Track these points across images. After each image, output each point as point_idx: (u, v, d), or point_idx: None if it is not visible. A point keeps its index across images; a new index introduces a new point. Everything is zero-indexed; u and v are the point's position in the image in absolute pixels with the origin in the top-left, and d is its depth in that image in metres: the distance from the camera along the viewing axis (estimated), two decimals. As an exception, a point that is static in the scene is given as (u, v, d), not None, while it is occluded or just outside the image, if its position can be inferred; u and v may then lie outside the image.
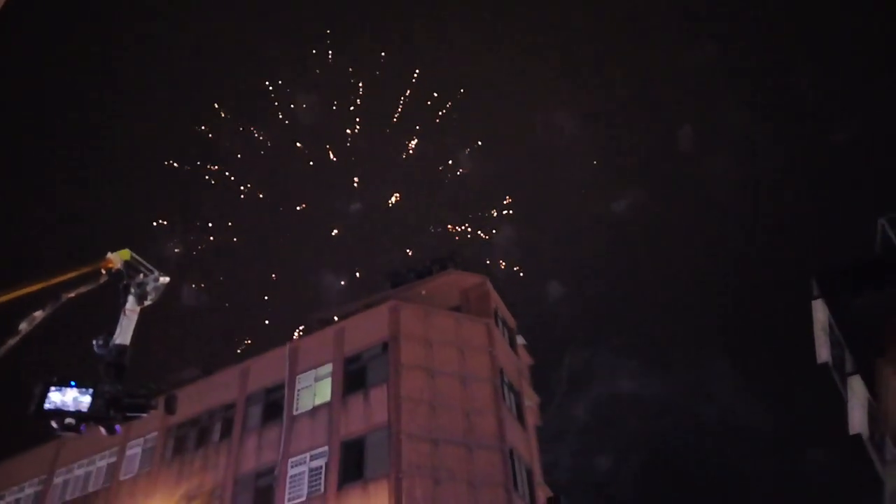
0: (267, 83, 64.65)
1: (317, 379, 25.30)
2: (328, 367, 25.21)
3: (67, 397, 7.08)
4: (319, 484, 22.80)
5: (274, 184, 64.30)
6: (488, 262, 60.31)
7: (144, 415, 7.69)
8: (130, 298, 7.90)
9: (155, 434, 27.87)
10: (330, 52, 66.18)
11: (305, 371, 25.69)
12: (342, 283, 62.51)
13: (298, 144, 63.09)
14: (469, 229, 62.61)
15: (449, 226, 62.11)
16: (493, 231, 62.61)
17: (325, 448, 23.43)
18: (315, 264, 68.18)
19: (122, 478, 27.53)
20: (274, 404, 25.73)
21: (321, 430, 23.97)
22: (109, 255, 8.23)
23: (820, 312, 21.81)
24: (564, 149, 72.38)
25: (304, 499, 22.76)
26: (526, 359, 28.68)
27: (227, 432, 26.23)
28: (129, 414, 7.52)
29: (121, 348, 7.70)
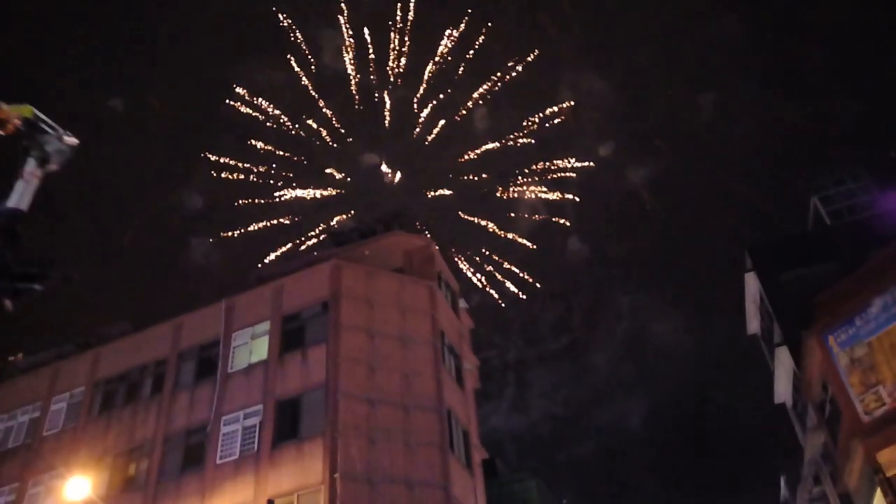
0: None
1: (253, 337, 24.77)
2: (265, 325, 24.70)
3: None
4: (253, 442, 22.45)
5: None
6: (512, 214, 60.30)
7: (38, 288, 6.40)
8: (30, 161, 6.67)
9: (82, 389, 26.94)
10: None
11: (242, 328, 25.11)
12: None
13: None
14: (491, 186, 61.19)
15: (470, 176, 60.19)
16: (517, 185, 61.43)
17: (260, 406, 23.05)
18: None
19: (45, 433, 26.54)
20: (208, 361, 25.11)
21: (256, 388, 23.53)
22: (3, 105, 6.78)
23: (752, 285, 22.47)
24: (586, 112, 72.54)
25: (236, 457, 22.41)
26: (468, 322, 28.75)
27: (157, 389, 25.52)
28: (19, 285, 6.27)
29: (15, 213, 6.47)
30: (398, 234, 27.62)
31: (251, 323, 25.07)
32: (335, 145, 59.06)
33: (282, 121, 58.22)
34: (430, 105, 59.92)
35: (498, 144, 60.29)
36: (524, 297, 57.45)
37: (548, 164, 59.28)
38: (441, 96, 60.25)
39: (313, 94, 58.54)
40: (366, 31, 59.19)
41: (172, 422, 24.43)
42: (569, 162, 58.90)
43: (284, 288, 25.23)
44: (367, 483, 21.08)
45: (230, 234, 56.98)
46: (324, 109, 59.03)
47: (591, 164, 62.32)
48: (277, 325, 24.51)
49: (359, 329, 23.62)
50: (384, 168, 61.06)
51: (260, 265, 45.19)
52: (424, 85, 59.59)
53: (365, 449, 21.57)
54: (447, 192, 60.35)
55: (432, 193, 60.29)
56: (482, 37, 60.57)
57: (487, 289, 56.28)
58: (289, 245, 53.95)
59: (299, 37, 59.62)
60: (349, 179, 59.25)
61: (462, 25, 60.02)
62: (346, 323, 23.46)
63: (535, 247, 58.95)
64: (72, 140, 6.75)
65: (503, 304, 58.22)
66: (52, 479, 24.73)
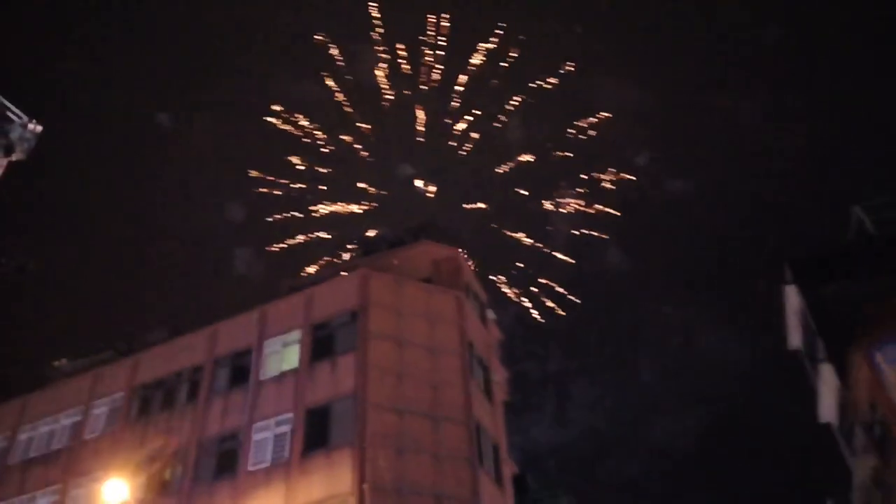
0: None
1: (284, 345, 24.99)
2: (296, 334, 24.89)
3: None
4: (284, 450, 22.60)
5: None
6: (549, 228, 59.88)
7: None
8: None
9: (121, 394, 27.62)
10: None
11: (273, 336, 25.37)
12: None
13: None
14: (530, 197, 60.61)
15: (506, 189, 59.62)
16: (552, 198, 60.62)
17: (291, 415, 23.20)
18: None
19: (86, 437, 27.29)
20: (241, 369, 25.45)
21: (287, 396, 23.72)
22: None
23: (792, 298, 21.54)
24: (624, 122, 71.36)
25: (267, 464, 22.58)
26: (496, 334, 28.41)
27: (193, 395, 25.96)
28: None
29: None
30: (426, 243, 27.55)
31: (282, 331, 25.30)
32: (371, 159, 59.39)
33: (319, 136, 58.84)
34: (465, 118, 59.79)
35: (533, 157, 59.69)
36: (562, 313, 56.65)
37: (585, 175, 58.53)
38: (476, 109, 60.00)
39: (349, 108, 58.97)
40: (400, 45, 59.38)
41: (206, 428, 24.78)
42: (606, 173, 58.07)
43: (314, 297, 25.41)
44: (396, 494, 20.94)
45: (273, 246, 57.71)
46: (359, 124, 59.40)
47: (630, 176, 61.09)
48: (307, 333, 24.68)
49: (387, 338, 23.58)
50: (419, 181, 60.94)
51: (300, 275, 45.58)
52: (459, 98, 59.47)
53: (393, 460, 21.46)
54: (483, 205, 59.93)
55: (468, 206, 59.99)
56: (516, 49, 60.19)
57: (525, 303, 55.72)
58: (329, 258, 54.47)
59: (335, 53, 60.12)
60: (385, 193, 59.48)
61: (495, 38, 59.77)
62: (374, 332, 23.46)
63: (573, 262, 58.15)
64: (36, 127, 6.69)
65: (542, 320, 57.46)
66: (91, 481, 25.39)
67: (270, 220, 59.25)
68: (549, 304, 56.18)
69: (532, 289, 56.61)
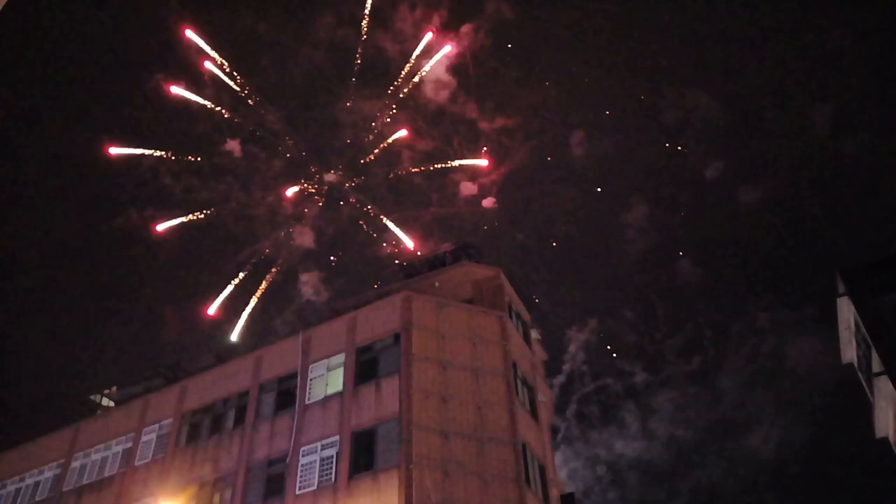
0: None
1: (329, 368, 25.16)
2: (340, 357, 25.06)
3: None
4: (330, 473, 22.68)
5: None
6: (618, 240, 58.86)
7: None
8: None
9: (170, 420, 28.06)
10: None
11: (318, 360, 25.57)
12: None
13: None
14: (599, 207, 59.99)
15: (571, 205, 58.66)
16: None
17: (337, 437, 23.31)
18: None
19: (136, 463, 27.75)
20: (287, 393, 25.69)
21: (333, 419, 23.84)
22: None
23: (845, 310, 21.03)
24: (691, 131, 69.69)
25: (314, 488, 22.67)
26: (540, 354, 28.15)
27: (240, 420, 26.26)
28: None
29: None
30: (467, 264, 27.54)
31: (327, 355, 25.49)
32: (431, 180, 59.28)
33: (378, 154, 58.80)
34: (527, 135, 59.54)
35: (600, 175, 59.17)
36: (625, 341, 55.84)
37: (654, 190, 57.86)
38: (539, 128, 59.69)
39: (414, 126, 58.72)
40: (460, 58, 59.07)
41: (254, 452, 25.01)
42: (674, 185, 57.35)
43: (357, 320, 25.57)
44: (443, 516, 20.80)
45: (335, 262, 57.46)
46: (423, 142, 59.12)
47: (700, 191, 60.07)
48: (351, 356, 24.82)
49: (430, 360, 23.60)
50: (485, 201, 60.54)
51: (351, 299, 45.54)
52: (521, 117, 59.28)
53: (439, 481, 21.37)
54: (549, 224, 59.39)
55: (535, 223, 59.53)
56: (581, 64, 59.83)
57: (599, 328, 55.21)
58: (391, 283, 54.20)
59: (401, 71, 60.01)
60: (447, 211, 59.26)
61: (558, 51, 59.45)
62: (417, 354, 23.50)
63: (648, 276, 57.35)
64: None
65: (606, 344, 56.58)
66: (143, 507, 25.79)
67: (340, 241, 59.32)
68: (627, 316, 55.55)
69: (604, 310, 56.02)
